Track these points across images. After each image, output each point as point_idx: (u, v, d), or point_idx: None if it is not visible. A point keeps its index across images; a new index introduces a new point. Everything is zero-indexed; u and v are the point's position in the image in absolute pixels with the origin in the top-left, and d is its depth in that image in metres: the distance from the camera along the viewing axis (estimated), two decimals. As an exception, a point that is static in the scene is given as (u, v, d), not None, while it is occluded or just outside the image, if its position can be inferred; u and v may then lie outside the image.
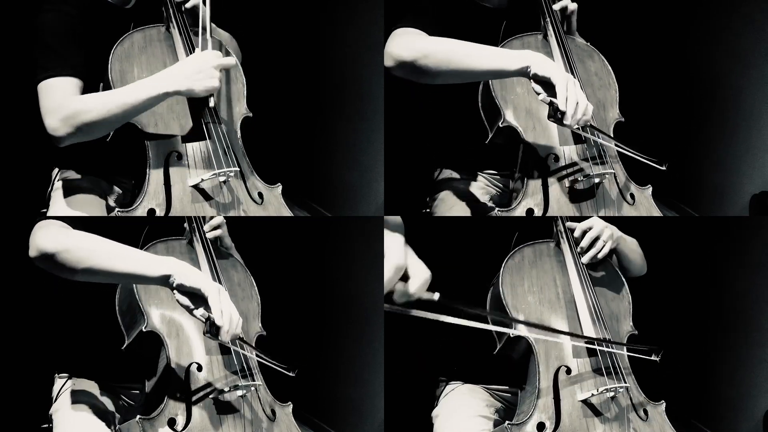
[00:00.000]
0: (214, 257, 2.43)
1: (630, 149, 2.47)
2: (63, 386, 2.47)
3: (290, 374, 2.33)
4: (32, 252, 2.23)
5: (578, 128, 2.38)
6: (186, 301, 2.16)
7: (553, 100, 2.31)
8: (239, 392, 2.33)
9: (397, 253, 2.16)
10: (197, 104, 2.45)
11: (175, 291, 2.17)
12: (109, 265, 2.18)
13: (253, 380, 2.36)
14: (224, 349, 2.36)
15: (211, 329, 2.19)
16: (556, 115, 2.32)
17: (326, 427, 3.07)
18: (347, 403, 3.08)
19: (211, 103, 2.42)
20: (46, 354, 2.57)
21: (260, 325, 2.48)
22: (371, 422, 2.97)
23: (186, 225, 2.46)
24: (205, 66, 2.36)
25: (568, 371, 2.35)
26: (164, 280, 2.17)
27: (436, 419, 2.58)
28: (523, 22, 2.62)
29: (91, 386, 2.46)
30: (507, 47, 2.55)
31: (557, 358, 2.36)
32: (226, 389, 2.31)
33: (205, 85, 2.35)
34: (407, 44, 2.41)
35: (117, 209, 2.40)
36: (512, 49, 2.51)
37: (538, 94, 2.34)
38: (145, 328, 2.30)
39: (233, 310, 2.19)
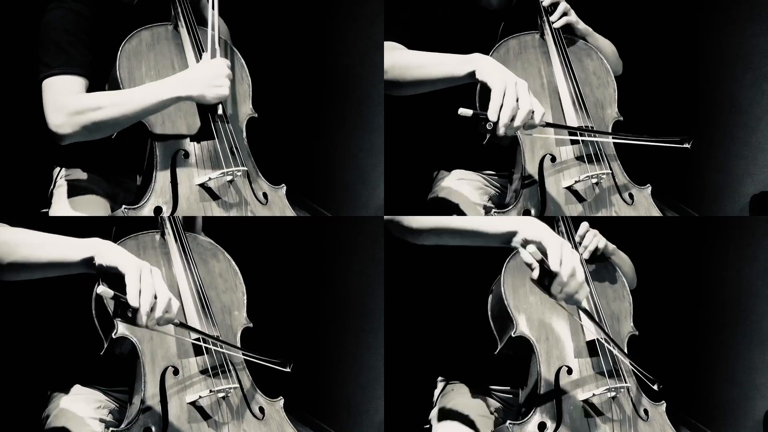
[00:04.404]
0: (190, 249, 2.40)
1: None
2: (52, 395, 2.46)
3: (286, 369, 2.30)
4: None
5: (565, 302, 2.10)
6: (106, 287, 1.97)
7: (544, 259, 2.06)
8: (219, 395, 2.28)
9: None
10: (205, 108, 2.45)
11: (100, 278, 2.01)
12: (30, 256, 2.08)
13: (233, 381, 2.32)
14: (199, 351, 2.31)
15: (124, 312, 1.95)
16: (542, 281, 2.05)
17: (326, 427, 3.07)
18: (347, 403, 3.08)
19: (220, 111, 2.44)
20: (35, 363, 2.56)
21: (246, 316, 2.44)
22: (371, 422, 2.97)
23: (159, 218, 2.41)
24: (217, 73, 2.38)
25: (570, 371, 2.35)
26: (88, 264, 2.04)
27: (435, 419, 2.58)
28: (522, 23, 2.63)
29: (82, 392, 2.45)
30: (503, 47, 2.55)
31: (558, 358, 2.36)
32: (203, 393, 2.26)
33: (216, 92, 2.38)
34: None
35: (124, 207, 2.39)
36: (509, 53, 2.54)
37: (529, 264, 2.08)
38: (115, 334, 2.24)
39: (162, 291, 2.01)
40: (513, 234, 2.08)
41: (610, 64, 2.64)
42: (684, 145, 2.47)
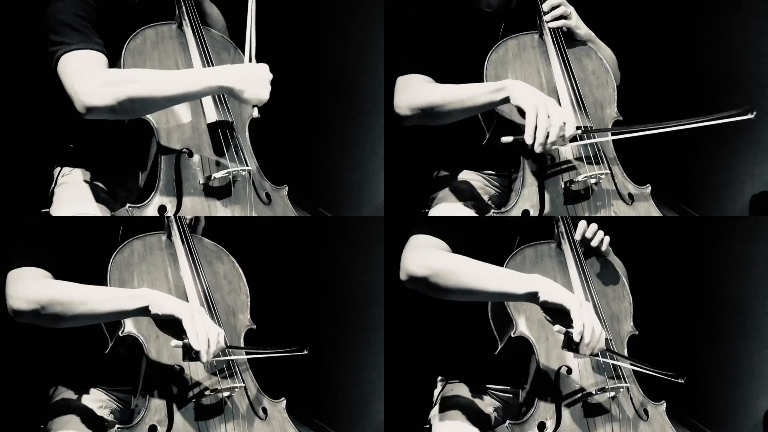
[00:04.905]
0: (195, 251, 2.40)
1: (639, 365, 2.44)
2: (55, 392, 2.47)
3: (304, 352, 2.38)
4: (9, 310, 2.26)
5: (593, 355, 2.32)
6: (177, 342, 2.22)
7: (569, 330, 2.27)
8: (223, 394, 2.29)
9: None
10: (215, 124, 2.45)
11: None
12: (89, 311, 2.21)
13: (238, 380, 2.33)
14: None
15: (190, 354, 2.20)
16: (570, 345, 2.27)
17: (326, 427, 3.07)
18: (347, 403, 3.07)
19: (255, 114, 2.40)
20: (39, 363, 2.56)
21: (249, 318, 2.45)
22: (371, 422, 2.97)
23: (165, 219, 2.41)
24: (264, 76, 2.36)
25: (569, 371, 2.36)
26: (144, 312, 2.21)
27: (434, 419, 2.59)
28: (522, 23, 2.63)
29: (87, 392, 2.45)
30: (502, 47, 2.55)
31: (558, 358, 2.37)
32: (208, 392, 2.28)
33: (258, 93, 2.34)
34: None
35: (128, 205, 2.38)
36: (508, 54, 2.54)
37: (552, 323, 2.33)
38: (121, 333, 2.26)
39: (211, 328, 2.22)
40: (534, 294, 2.28)
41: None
42: (747, 116, 2.44)
